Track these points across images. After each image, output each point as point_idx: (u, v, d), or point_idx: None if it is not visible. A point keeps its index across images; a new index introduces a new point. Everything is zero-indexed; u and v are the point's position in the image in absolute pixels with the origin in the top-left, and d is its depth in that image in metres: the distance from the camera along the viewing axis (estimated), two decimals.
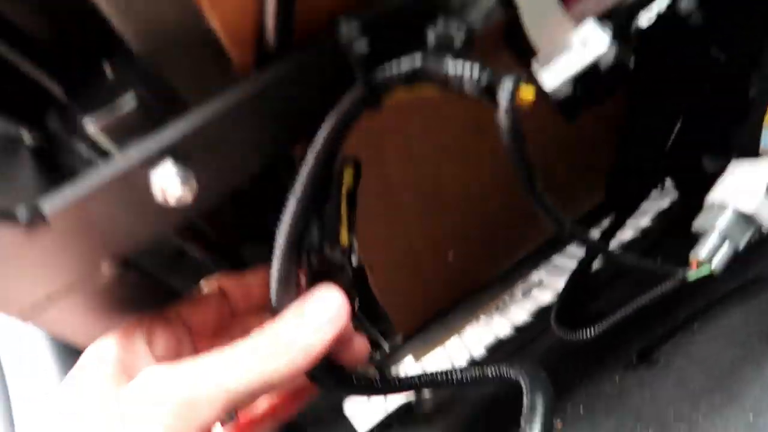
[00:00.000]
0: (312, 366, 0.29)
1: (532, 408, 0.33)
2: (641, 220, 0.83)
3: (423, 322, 0.73)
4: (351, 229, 0.31)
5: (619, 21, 0.34)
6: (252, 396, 0.28)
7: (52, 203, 0.26)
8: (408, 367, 0.91)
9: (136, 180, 0.27)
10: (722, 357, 0.55)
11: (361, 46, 0.27)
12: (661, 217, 0.79)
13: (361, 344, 0.37)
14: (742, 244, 0.36)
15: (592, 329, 0.53)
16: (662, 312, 0.50)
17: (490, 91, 0.27)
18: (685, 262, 0.66)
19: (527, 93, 0.26)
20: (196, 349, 0.36)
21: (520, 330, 0.81)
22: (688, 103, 0.60)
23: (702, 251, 0.37)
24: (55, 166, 0.29)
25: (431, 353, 0.93)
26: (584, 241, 0.34)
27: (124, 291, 0.32)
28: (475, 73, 0.27)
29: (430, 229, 0.57)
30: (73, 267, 0.28)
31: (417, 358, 0.88)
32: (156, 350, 0.33)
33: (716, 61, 0.52)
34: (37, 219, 0.25)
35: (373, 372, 0.38)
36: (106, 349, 0.32)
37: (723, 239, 0.36)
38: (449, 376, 0.41)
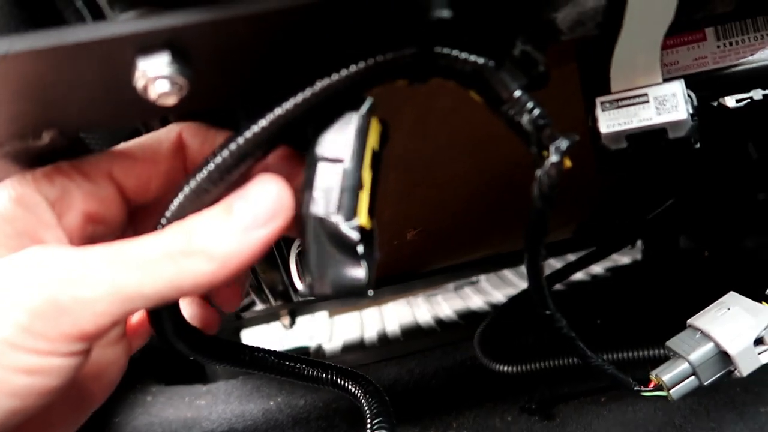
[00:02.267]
0: (232, 275, 0.22)
1: None
2: (595, 266, 0.83)
3: None
4: (372, 208, 0.24)
5: (708, 92, 0.30)
6: (152, 304, 0.22)
7: (6, 45, 0.20)
8: (319, 320, 0.90)
9: (117, 56, 0.22)
10: None
11: (443, 10, 0.22)
12: (615, 273, 0.79)
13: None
14: (708, 382, 0.35)
15: (509, 367, 0.52)
16: (577, 370, 0.48)
17: (539, 137, 0.24)
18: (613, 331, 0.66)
19: (567, 161, 0.24)
20: (132, 224, 0.28)
21: (441, 325, 0.80)
22: (695, 185, 0.58)
23: (667, 376, 0.34)
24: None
25: (345, 314, 0.91)
26: (560, 327, 0.32)
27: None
28: (537, 116, 0.24)
29: (403, 204, 0.53)
30: (11, 124, 0.23)
31: (331, 314, 0.87)
32: (67, 218, 0.25)
33: (747, 157, 0.50)
34: None
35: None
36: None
37: (692, 371, 0.34)
38: (296, 367, 0.32)
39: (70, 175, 0.25)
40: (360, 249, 0.22)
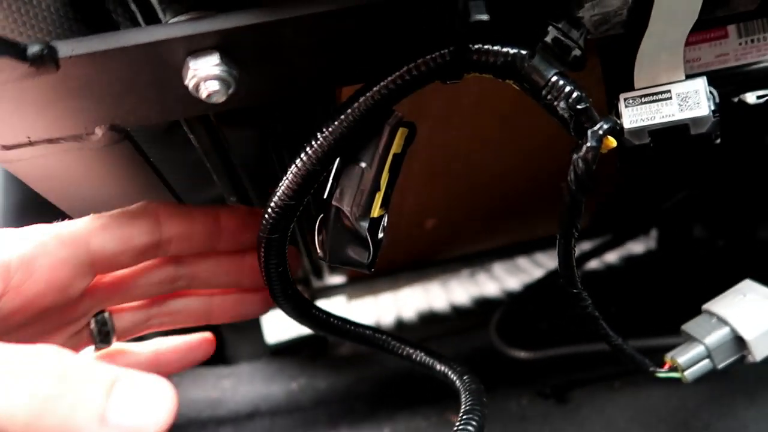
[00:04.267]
0: None
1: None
2: (610, 255, 0.84)
3: None
4: (386, 202, 0.28)
5: (729, 88, 0.31)
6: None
7: (70, 48, 0.21)
8: (337, 305, 0.91)
9: (169, 57, 0.23)
10: (627, 429, 0.55)
11: (481, 11, 0.23)
12: (630, 262, 0.80)
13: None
14: (722, 365, 0.36)
15: (525, 353, 0.53)
16: (591, 356, 0.50)
17: (578, 121, 0.25)
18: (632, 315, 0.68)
19: (610, 141, 0.26)
20: None
21: (459, 312, 0.81)
22: (711, 176, 0.59)
23: (682, 358, 0.36)
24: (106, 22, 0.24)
25: (363, 299, 0.93)
26: (585, 306, 0.33)
27: (108, 162, 0.28)
28: (576, 99, 0.25)
29: (424, 194, 0.54)
30: (68, 121, 0.25)
31: (349, 299, 0.88)
32: None
33: (764, 150, 0.50)
34: (48, 60, 0.21)
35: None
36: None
37: (707, 354, 0.35)
38: (394, 345, 0.39)
39: None
40: (368, 239, 0.27)
